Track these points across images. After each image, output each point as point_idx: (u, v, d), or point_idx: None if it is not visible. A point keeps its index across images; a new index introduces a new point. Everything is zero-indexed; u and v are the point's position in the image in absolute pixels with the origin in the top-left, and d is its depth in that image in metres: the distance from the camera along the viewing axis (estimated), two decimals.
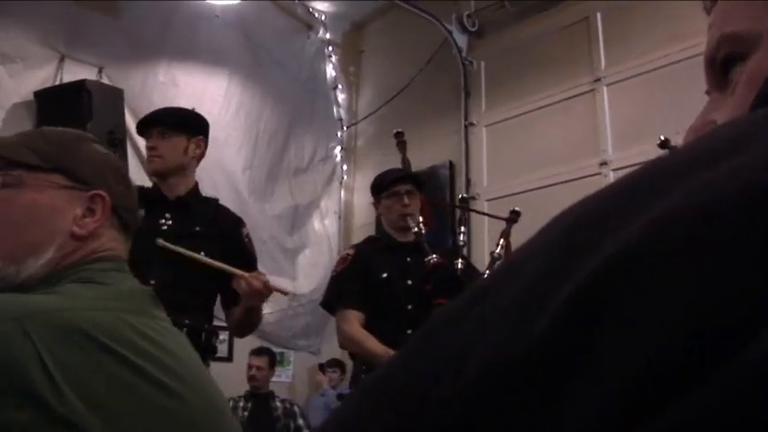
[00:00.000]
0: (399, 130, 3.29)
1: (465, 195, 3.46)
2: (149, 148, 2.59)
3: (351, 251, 3.00)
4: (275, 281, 5.19)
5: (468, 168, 5.70)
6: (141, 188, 2.66)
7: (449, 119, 5.95)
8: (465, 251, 5.10)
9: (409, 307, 2.75)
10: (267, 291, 2.38)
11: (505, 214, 3.12)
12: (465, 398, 0.30)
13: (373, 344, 2.68)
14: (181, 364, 1.02)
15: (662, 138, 2.74)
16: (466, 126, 5.80)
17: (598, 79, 4.92)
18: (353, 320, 2.78)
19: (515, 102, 5.44)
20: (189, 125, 2.65)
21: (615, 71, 4.84)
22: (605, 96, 4.86)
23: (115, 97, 4.30)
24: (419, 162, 5.50)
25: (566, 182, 4.84)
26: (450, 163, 5.82)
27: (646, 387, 0.25)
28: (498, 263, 2.85)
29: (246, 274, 2.36)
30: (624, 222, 0.29)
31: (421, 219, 2.92)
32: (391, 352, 2.55)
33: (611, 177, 4.56)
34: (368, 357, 2.71)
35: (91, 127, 3.95)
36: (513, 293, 0.32)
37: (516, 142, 5.39)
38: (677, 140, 2.76)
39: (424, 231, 2.87)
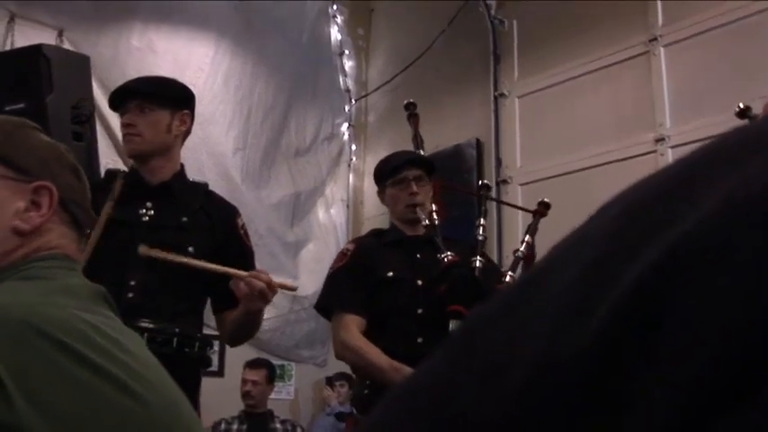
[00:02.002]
0: (411, 100, 3.28)
1: (485, 182, 3.41)
2: (126, 126, 2.56)
3: (350, 246, 3.00)
4: (276, 279, 5.21)
5: (499, 147, 5.69)
6: (117, 173, 2.73)
7: (475, 89, 5.91)
8: (494, 246, 5.07)
9: (419, 311, 2.75)
10: (272, 291, 2.34)
11: (545, 198, 3.11)
12: (510, 413, 0.31)
13: (375, 355, 2.67)
14: (141, 364, 1.06)
15: (741, 105, 2.63)
16: (496, 97, 5.76)
17: (654, 39, 4.81)
18: (352, 326, 2.77)
19: (554, 68, 5.38)
20: (172, 97, 2.61)
21: (674, 29, 4.73)
22: (662, 59, 4.75)
23: (80, 66, 4.16)
24: (441, 140, 5.56)
25: (615, 162, 4.80)
26: (478, 141, 5.81)
27: (718, 387, 0.26)
28: (522, 263, 2.89)
29: (245, 273, 2.33)
30: (685, 210, 0.30)
31: (434, 207, 2.92)
32: (397, 365, 2.57)
33: (670, 156, 4.56)
34: (370, 371, 2.71)
35: (52, 101, 3.82)
36: (559, 289, 0.33)
37: (555, 116, 5.34)
38: (757, 108, 2.66)
39: (437, 223, 2.87)
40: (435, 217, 2.88)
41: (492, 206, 5.13)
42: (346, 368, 5.49)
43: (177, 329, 2.36)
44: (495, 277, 2.81)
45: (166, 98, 2.58)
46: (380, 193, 3.05)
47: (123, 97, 2.58)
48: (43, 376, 0.91)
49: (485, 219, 3.06)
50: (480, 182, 3.43)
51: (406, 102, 3.29)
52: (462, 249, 2.86)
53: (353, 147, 6.86)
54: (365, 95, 6.94)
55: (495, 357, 0.34)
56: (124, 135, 2.58)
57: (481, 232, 2.98)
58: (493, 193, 5.26)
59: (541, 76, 5.48)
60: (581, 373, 0.30)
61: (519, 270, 2.89)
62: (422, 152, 3.18)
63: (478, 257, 2.84)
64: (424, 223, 2.86)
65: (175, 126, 2.59)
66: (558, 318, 0.32)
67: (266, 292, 2.32)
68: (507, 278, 2.78)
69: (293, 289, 2.73)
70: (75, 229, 1.24)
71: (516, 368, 0.32)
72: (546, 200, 3.08)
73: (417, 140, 3.24)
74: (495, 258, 5.05)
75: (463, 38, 5.97)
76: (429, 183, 2.96)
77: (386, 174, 2.98)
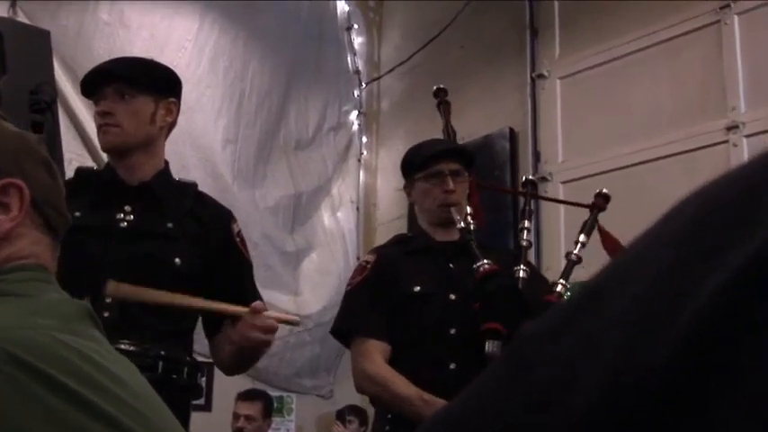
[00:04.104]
0: (441, 86, 3.30)
1: (531, 177, 3.47)
2: (102, 114, 2.51)
3: (371, 257, 2.97)
4: (272, 299, 5.12)
5: (537, 138, 5.66)
6: (88, 171, 2.75)
7: (508, 69, 5.88)
8: (532, 253, 4.99)
9: (452, 331, 2.73)
10: (271, 334, 2.36)
11: (588, 200, 3.10)
12: None
13: (403, 386, 2.66)
14: (133, 395, 1.06)
15: None
16: (533, 79, 5.72)
17: (726, 5, 4.74)
18: (375, 354, 2.76)
19: (603, 43, 5.32)
20: (157, 82, 2.60)
21: None
22: (736, 30, 4.66)
23: (38, 43, 4.15)
24: (468, 130, 5.52)
25: (678, 155, 4.73)
26: (511, 131, 5.79)
27: None
28: (576, 267, 2.90)
29: (243, 312, 2.33)
30: None
31: (469, 210, 2.92)
32: (428, 397, 2.57)
33: (745, 147, 4.49)
34: (396, 404, 2.69)
35: (5, 84, 3.74)
36: (632, 297, 0.36)
37: (605, 101, 5.29)
38: None
39: (473, 227, 2.87)
40: (471, 221, 2.86)
41: None
42: (357, 401, 5.48)
43: (163, 352, 2.35)
44: (542, 290, 2.80)
45: (151, 83, 2.56)
46: (407, 188, 3.01)
47: (99, 81, 2.54)
48: (17, 411, 0.91)
49: (530, 221, 3.05)
50: (524, 177, 3.43)
51: (435, 87, 3.28)
52: (502, 258, 2.84)
53: (364, 139, 6.84)
54: (377, 78, 6.92)
55: (556, 377, 0.36)
56: (99, 125, 2.53)
57: (525, 237, 2.97)
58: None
59: (588, 52, 5.40)
60: (657, 390, 0.31)
61: (571, 276, 2.90)
62: None
63: (522, 266, 2.81)
64: (459, 226, 2.82)
65: (160, 116, 2.57)
66: (630, 330, 0.34)
67: (266, 340, 2.33)
68: (559, 287, 2.78)
69: (295, 323, 2.70)
70: (49, 235, 1.24)
71: (583, 387, 0.34)
72: (605, 191, 3.04)
73: (448, 132, 3.23)
74: None
75: (494, 8, 5.92)
76: (467, 179, 2.93)
77: (417, 165, 2.92)
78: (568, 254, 2.93)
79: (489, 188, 4.06)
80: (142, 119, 2.52)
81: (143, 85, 2.53)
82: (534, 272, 2.98)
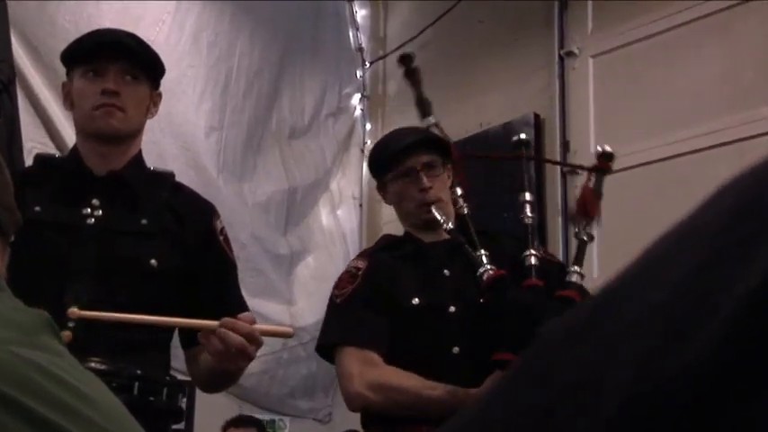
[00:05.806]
0: (408, 52, 3.25)
1: (523, 137, 3.13)
2: (110, 93, 2.50)
3: (360, 263, 2.93)
4: (262, 309, 5.05)
5: (565, 125, 5.66)
6: (50, 159, 2.76)
7: (533, 46, 5.91)
8: (560, 247, 4.96)
9: (456, 350, 2.71)
10: (254, 345, 2.28)
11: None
12: None
13: (429, 387, 2.58)
14: (107, 418, 1.06)
15: None
16: (561, 57, 5.73)
17: None
18: (378, 361, 2.71)
19: (643, 15, 5.29)
20: (157, 69, 2.65)
21: None
22: None
23: None
24: (487, 116, 5.70)
25: (730, 144, 4.69)
26: (537, 117, 5.77)
27: None
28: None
29: (216, 324, 2.24)
30: None
31: (460, 192, 2.89)
32: (457, 391, 2.51)
33: None
34: (425, 407, 2.57)
35: None
36: (659, 296, 0.38)
37: (644, 82, 5.26)
38: None
39: (467, 211, 2.83)
40: (462, 203, 2.81)
41: (555, 189, 5.41)
42: (356, 424, 5.42)
43: (139, 371, 2.35)
44: (557, 280, 2.69)
45: (153, 69, 2.62)
46: (381, 190, 3.02)
47: (100, 52, 2.53)
48: None
49: (531, 193, 2.88)
50: (515, 138, 3.11)
51: (400, 54, 3.23)
52: (508, 245, 2.83)
53: (368, 126, 6.88)
54: (383, 56, 6.95)
55: (579, 380, 0.38)
56: (102, 105, 2.49)
57: (529, 212, 2.82)
58: (558, 186, 5.22)
59: (625, 27, 5.37)
60: (690, 392, 0.33)
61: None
62: (431, 120, 3.06)
63: (532, 251, 2.69)
64: (445, 227, 2.73)
65: (150, 108, 2.65)
66: (660, 329, 0.36)
67: (246, 349, 2.24)
68: (575, 276, 2.65)
69: (288, 335, 2.65)
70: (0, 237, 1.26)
71: (607, 391, 0.36)
72: (608, 148, 2.81)
73: (423, 105, 3.13)
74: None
75: None
76: (444, 170, 2.90)
77: (384, 164, 2.93)
78: (577, 232, 2.82)
79: (473, 157, 3.90)
80: (142, 108, 2.58)
81: (148, 69, 2.59)
82: (547, 256, 2.90)
